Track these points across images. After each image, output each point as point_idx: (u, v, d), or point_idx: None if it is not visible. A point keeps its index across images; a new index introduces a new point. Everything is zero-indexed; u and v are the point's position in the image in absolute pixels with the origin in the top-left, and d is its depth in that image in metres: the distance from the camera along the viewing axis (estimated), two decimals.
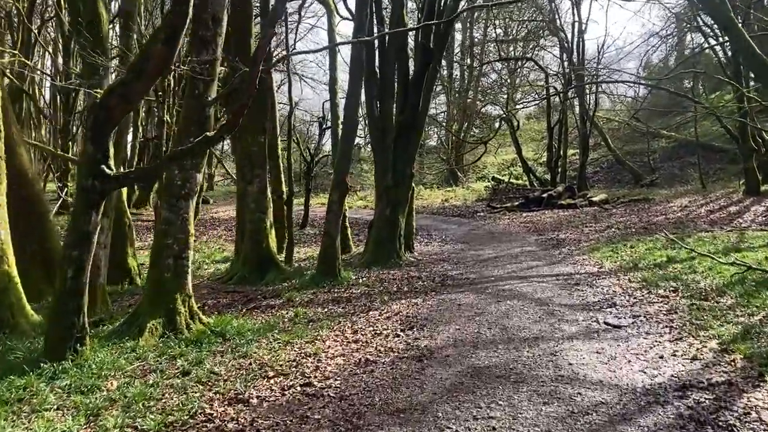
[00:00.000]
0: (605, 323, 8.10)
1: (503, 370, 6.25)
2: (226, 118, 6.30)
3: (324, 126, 19.66)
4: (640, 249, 14.03)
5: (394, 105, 14.13)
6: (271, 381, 6.09)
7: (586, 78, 28.91)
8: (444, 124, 36.55)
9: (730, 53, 23.93)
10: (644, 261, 12.47)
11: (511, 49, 36.87)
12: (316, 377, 6.18)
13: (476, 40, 40.52)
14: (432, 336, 7.69)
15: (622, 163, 32.28)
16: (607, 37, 67.06)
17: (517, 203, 25.50)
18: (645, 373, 6.07)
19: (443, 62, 40.83)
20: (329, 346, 7.33)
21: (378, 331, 7.99)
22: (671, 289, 9.84)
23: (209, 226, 22.02)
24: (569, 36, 29.67)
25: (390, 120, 13.88)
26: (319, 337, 7.72)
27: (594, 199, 24.85)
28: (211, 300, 10.31)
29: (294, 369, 6.45)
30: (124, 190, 11.03)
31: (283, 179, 15.38)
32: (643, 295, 9.60)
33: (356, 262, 13.83)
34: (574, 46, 29.24)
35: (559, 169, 30.02)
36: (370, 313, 9.09)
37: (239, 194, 12.43)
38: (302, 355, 6.98)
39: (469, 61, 37.48)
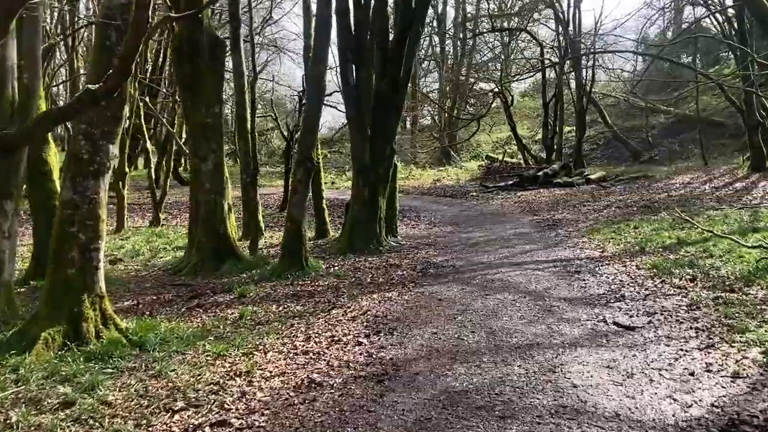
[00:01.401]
0: (614, 323, 6.48)
1: (486, 397, 4.61)
2: (113, 66, 4.60)
3: (304, 100, 17.86)
4: (645, 230, 12.43)
5: (372, 74, 12.39)
6: (176, 417, 4.45)
7: (582, 49, 27.09)
8: (436, 101, 34.69)
9: (736, 23, 22.14)
10: (651, 243, 10.87)
11: (506, 24, 34.93)
12: (236, 410, 4.55)
13: (469, 15, 38.59)
14: (401, 343, 6.06)
15: (620, 140, 30.56)
16: (604, 9, 64.39)
17: (511, 182, 23.81)
18: (675, 400, 4.45)
19: (435, 38, 38.98)
20: (269, 360, 5.70)
21: (336, 338, 6.36)
22: (688, 277, 8.23)
23: (183, 209, 20.27)
24: (564, 6, 27.77)
25: (367, 90, 12.15)
26: (261, 347, 6.09)
27: (591, 177, 23.19)
28: (151, 296, 8.67)
29: (212, 397, 4.82)
30: (56, 166, 9.29)
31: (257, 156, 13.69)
32: (655, 285, 7.99)
33: (332, 249, 12.19)
34: (570, 17, 27.35)
35: (555, 147, 28.27)
36: (333, 312, 7.45)
37: (192, 173, 10.73)
38: (231, 373, 5.35)
39: (461, 35, 35.52)
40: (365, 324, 6.83)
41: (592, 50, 27.68)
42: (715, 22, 30.25)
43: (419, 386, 4.89)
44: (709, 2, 26.52)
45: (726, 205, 15.51)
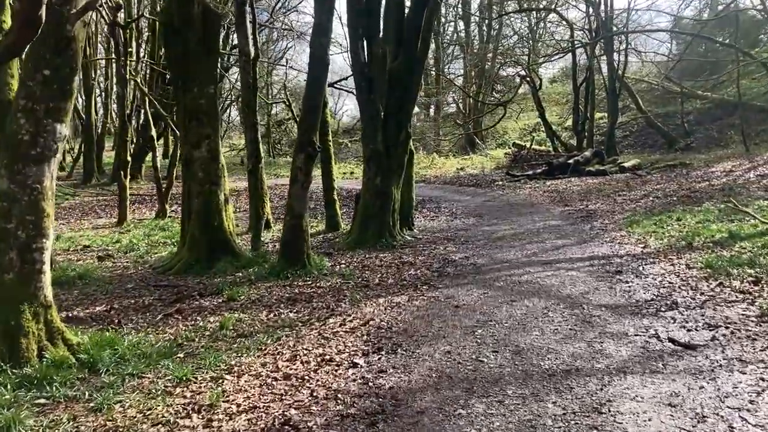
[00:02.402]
0: (670, 340, 5.22)
1: None
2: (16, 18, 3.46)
3: None
4: (690, 222, 11.05)
5: (385, 50, 11.15)
6: None
7: (615, 29, 25.41)
8: (461, 86, 33.21)
9: None
10: (699, 238, 9.52)
11: (533, 5, 33.25)
12: None
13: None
14: (406, 366, 4.88)
15: (654, 126, 28.79)
16: None
17: (539, 170, 22.33)
18: None
19: (460, 23, 37.43)
20: (241, 388, 4.56)
21: (328, 357, 5.19)
22: (750, 279, 6.90)
23: None
24: None
25: (380, 67, 10.92)
26: (235, 368, 4.96)
27: (625, 164, 21.62)
28: (129, 299, 7.59)
29: None
30: None
31: (260, 144, 12.57)
32: (712, 290, 6.68)
33: (341, 244, 11.02)
34: None
35: (586, 133, 26.68)
36: (330, 321, 6.28)
37: (183, 161, 9.62)
38: (190, 408, 4.22)
39: (487, 19, 33.92)
40: (365, 338, 5.65)
41: (624, 30, 25.94)
42: (755, 2, 28.63)
43: None
44: None
45: None
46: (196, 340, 5.80)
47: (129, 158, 15.48)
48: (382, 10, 11.09)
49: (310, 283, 8.06)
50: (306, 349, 5.39)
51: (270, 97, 34.14)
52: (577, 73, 27.46)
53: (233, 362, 5.09)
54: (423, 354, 5.13)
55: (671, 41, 34.23)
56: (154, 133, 15.99)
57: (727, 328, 5.39)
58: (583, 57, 28.23)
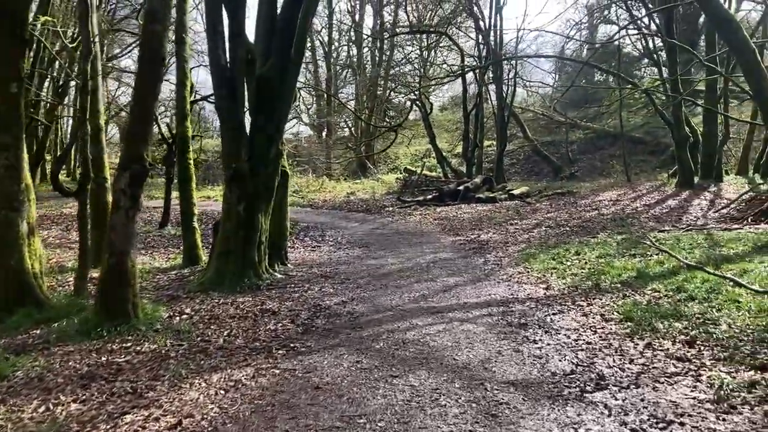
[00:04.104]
0: None
1: None
2: None
3: (192, 96, 14.33)
4: (590, 256, 9.83)
5: (255, 51, 9.16)
6: None
7: (503, 55, 24.81)
8: (353, 110, 31.63)
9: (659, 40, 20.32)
10: (606, 277, 8.20)
11: (425, 38, 32.39)
12: None
13: (387, 24, 35.96)
14: None
15: (541, 155, 28.54)
16: (526, 18, 63.37)
17: (430, 196, 20.97)
18: None
19: (352, 46, 36.07)
20: None
21: None
22: (683, 338, 5.45)
23: (47, 226, 16.18)
24: (486, 13, 25.42)
25: (246, 72, 8.89)
26: None
27: (515, 192, 20.73)
28: None
29: None
30: None
31: (105, 160, 10.14)
32: (642, 354, 5.16)
33: (193, 284, 8.77)
34: (491, 24, 24.97)
35: (476, 160, 25.82)
36: (128, 417, 4.13)
37: None
38: None
39: (379, 44, 32.67)
40: None
41: (513, 55, 25.44)
42: (630, 41, 29.28)
43: None
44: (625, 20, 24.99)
45: (667, 225, 13.23)
46: None
47: None
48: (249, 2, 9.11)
49: (129, 346, 5.82)
50: None
51: None
52: (467, 100, 26.65)
53: None
54: None
55: (556, 73, 34.55)
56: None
57: (681, 426, 3.78)
58: (473, 85, 27.54)
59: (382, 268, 10.01)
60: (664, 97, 21.84)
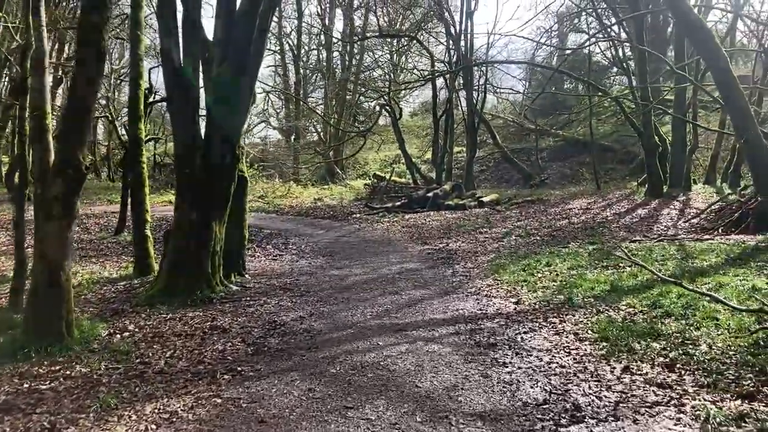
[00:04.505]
0: None
1: None
2: None
3: (151, 97, 13.65)
4: (561, 267, 9.47)
5: (211, 49, 8.60)
6: None
7: (474, 65, 24.54)
8: (321, 114, 31.08)
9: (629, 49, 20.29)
10: (578, 291, 7.81)
11: (395, 42, 32.06)
12: None
13: (357, 29, 35.51)
14: None
15: (511, 162, 28.32)
16: (497, 24, 63.43)
17: (398, 203, 20.53)
18: None
19: (322, 50, 35.51)
20: None
21: None
22: (662, 358, 5.09)
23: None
24: (456, 18, 25.12)
25: (201, 71, 8.33)
26: None
27: (484, 199, 20.38)
28: None
29: None
30: None
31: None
32: (620, 379, 4.75)
33: (141, 296, 8.14)
34: (462, 29, 24.69)
35: (445, 166, 25.48)
36: None
37: None
38: None
39: (349, 48, 32.17)
40: None
41: (484, 61, 25.20)
42: (600, 49, 29.37)
43: None
44: (595, 28, 25.00)
45: (638, 234, 12.99)
46: None
47: None
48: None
49: (58, 369, 5.22)
50: None
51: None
52: (438, 106, 26.33)
53: None
54: None
55: (526, 80, 34.47)
56: None
57: None
58: (443, 91, 27.24)
59: (346, 279, 9.51)
60: (633, 106, 21.80)
